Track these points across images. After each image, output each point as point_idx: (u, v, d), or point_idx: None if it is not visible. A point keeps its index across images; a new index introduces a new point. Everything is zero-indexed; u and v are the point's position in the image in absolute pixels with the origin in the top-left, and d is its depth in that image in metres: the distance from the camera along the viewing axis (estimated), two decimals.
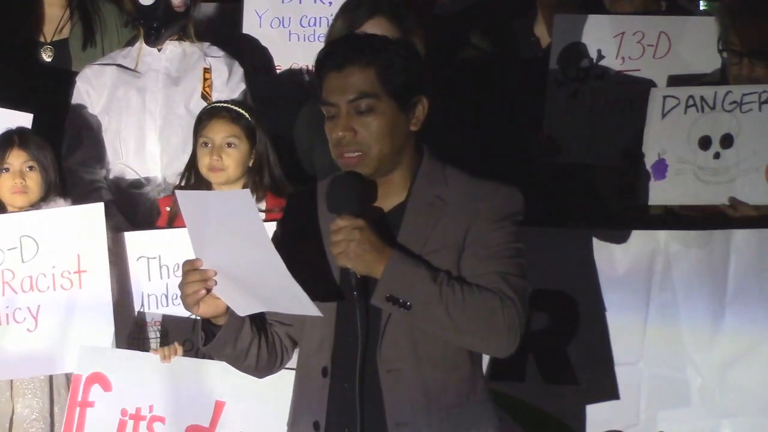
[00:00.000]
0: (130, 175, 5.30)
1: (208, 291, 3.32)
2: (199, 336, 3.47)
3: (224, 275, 3.30)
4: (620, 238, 4.49)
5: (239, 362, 3.52)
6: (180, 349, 4.39)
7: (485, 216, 3.31)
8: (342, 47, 3.37)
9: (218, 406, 4.29)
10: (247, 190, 3.36)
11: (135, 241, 4.72)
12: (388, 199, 3.40)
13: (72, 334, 4.53)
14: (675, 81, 5.05)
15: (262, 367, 3.54)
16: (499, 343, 3.28)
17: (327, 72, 3.35)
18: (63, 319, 4.55)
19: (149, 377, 4.37)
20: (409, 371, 3.33)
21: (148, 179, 5.29)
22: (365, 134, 3.31)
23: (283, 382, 3.88)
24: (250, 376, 4.06)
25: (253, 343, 3.46)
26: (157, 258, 4.69)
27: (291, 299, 3.27)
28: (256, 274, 3.26)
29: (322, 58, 3.38)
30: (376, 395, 3.33)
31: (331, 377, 3.38)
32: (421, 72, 3.37)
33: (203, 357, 4.46)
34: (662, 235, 4.47)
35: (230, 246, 3.26)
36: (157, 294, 4.70)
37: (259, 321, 3.48)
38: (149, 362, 4.38)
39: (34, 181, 4.66)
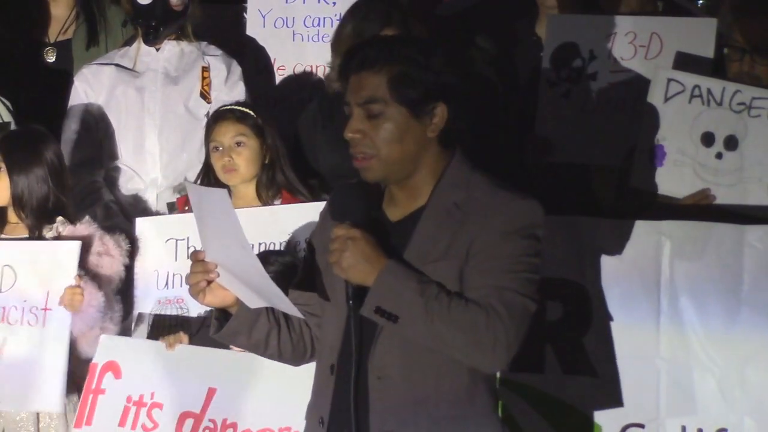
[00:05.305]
0: (129, 175, 5.36)
1: (209, 283, 3.36)
2: (211, 323, 3.50)
3: (224, 269, 3.35)
4: (624, 228, 4.39)
5: (259, 351, 3.55)
6: (185, 338, 4.47)
7: (493, 227, 3.24)
8: (363, 50, 3.37)
9: (210, 393, 4.37)
10: (224, 190, 3.36)
11: (165, 223, 4.93)
12: (410, 203, 3.39)
13: (31, 374, 4.47)
14: None
15: (287, 357, 3.56)
16: (484, 358, 3.23)
17: (349, 74, 3.37)
18: (25, 356, 4.50)
19: (154, 365, 4.48)
20: (399, 380, 3.30)
21: (147, 179, 5.33)
22: (374, 138, 3.31)
23: (270, 370, 4.01)
24: (242, 363, 4.26)
25: (272, 334, 3.48)
26: (185, 239, 4.80)
27: (273, 298, 3.32)
28: (245, 272, 3.32)
29: (346, 60, 3.39)
30: (368, 401, 3.33)
31: (336, 376, 3.39)
32: (441, 80, 3.31)
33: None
34: (665, 225, 4.34)
35: (224, 242, 3.32)
36: (182, 273, 4.76)
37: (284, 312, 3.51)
38: (156, 350, 4.50)
39: None
